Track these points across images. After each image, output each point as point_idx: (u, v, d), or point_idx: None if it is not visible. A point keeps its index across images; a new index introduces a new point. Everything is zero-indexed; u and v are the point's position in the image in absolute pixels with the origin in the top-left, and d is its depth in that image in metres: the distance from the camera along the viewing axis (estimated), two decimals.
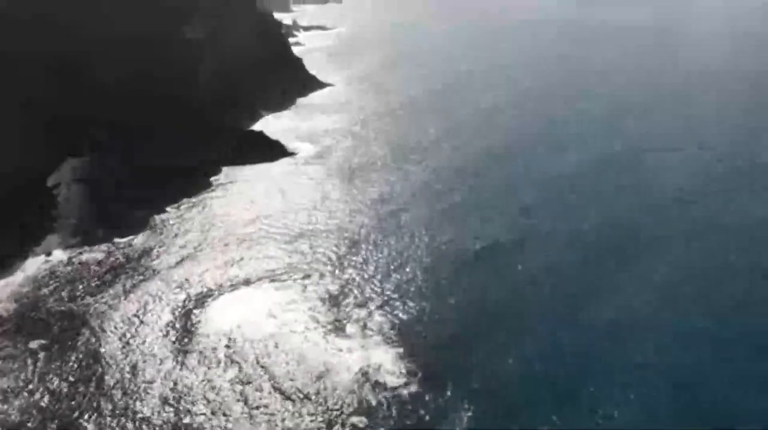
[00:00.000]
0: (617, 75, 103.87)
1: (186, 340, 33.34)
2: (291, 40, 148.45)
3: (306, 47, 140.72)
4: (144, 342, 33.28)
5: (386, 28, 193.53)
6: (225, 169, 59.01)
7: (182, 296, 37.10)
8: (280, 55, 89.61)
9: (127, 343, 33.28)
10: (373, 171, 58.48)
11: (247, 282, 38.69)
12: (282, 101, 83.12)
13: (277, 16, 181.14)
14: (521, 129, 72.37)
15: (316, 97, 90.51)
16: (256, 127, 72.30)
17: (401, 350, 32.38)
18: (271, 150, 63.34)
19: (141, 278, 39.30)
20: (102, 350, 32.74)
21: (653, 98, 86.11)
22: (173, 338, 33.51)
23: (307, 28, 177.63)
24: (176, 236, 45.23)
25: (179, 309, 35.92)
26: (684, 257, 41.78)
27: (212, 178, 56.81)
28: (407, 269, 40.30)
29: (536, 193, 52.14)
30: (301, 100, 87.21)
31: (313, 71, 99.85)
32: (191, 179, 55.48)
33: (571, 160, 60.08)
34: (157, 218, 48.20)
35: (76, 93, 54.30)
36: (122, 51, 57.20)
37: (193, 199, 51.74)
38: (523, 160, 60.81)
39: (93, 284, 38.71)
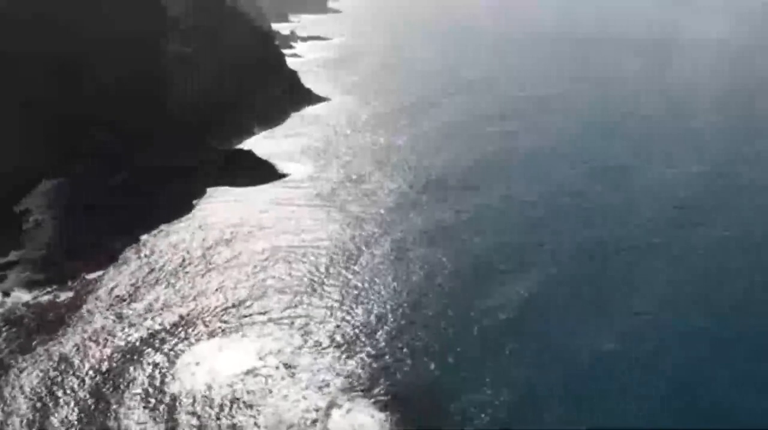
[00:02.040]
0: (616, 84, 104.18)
1: (151, 404, 29.43)
2: (288, 51, 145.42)
3: (303, 59, 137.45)
4: (106, 409, 29.30)
5: (386, 39, 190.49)
6: (209, 191, 55.29)
7: (149, 349, 33.06)
8: (273, 68, 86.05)
9: (87, 409, 29.40)
10: (367, 196, 54.73)
11: (223, 329, 34.81)
12: (275, 117, 79.45)
13: (275, 26, 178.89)
14: (521, 141, 71.93)
15: (310, 112, 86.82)
16: (246, 144, 68.71)
17: (390, 414, 28.49)
18: (260, 171, 59.58)
19: (106, 325, 35.27)
20: (53, 420, 28.86)
21: (654, 106, 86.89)
22: (138, 402, 29.60)
23: (305, 39, 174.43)
24: (150, 271, 41.33)
25: (146, 365, 31.95)
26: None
27: (194, 202, 53.05)
28: (400, 314, 36.48)
29: (537, 204, 52.54)
30: (295, 116, 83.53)
31: (309, 84, 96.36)
32: (171, 202, 51.80)
33: (570, 168, 61.18)
34: (132, 249, 44.36)
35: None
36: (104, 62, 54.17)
37: (172, 226, 47.90)
38: (524, 173, 61.05)
39: (50, 334, 34.59)
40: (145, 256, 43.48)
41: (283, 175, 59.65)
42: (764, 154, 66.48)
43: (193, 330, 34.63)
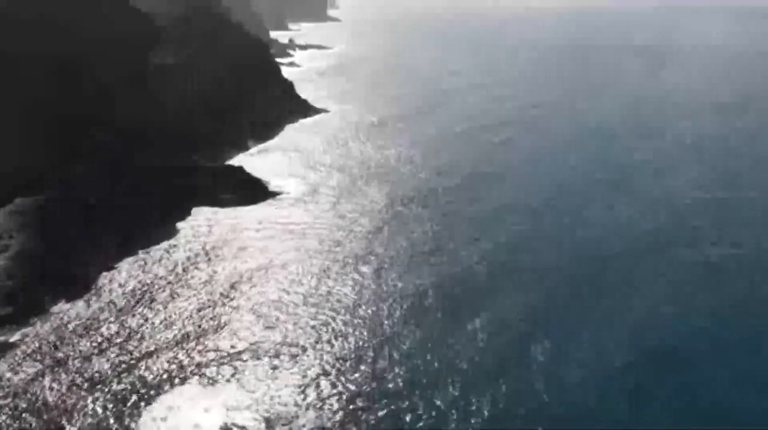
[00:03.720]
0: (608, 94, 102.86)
1: None
2: (286, 59, 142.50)
3: (301, 68, 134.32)
4: None
5: (386, 47, 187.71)
6: (195, 212, 51.71)
7: (110, 401, 29.23)
8: (268, 79, 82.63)
9: None
10: (364, 216, 51.16)
11: (199, 374, 30.99)
12: (268, 129, 75.96)
13: (273, 34, 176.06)
14: (520, 148, 72.44)
15: (307, 123, 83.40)
16: (238, 159, 65.22)
17: None
18: (250, 189, 56.02)
19: (67, 372, 31.43)
20: None
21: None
22: None
23: (303, 47, 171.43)
24: (125, 303, 37.63)
25: (106, 418, 28.21)
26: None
27: (178, 224, 49.43)
28: (392, 348, 32.82)
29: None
30: (290, 128, 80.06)
31: (306, 94, 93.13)
32: (154, 224, 48.23)
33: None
34: (107, 277, 40.66)
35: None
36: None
37: (152, 252, 44.22)
38: (522, 179, 60.82)
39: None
40: (121, 285, 39.78)
41: (275, 194, 56.05)
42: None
43: (165, 373, 30.91)
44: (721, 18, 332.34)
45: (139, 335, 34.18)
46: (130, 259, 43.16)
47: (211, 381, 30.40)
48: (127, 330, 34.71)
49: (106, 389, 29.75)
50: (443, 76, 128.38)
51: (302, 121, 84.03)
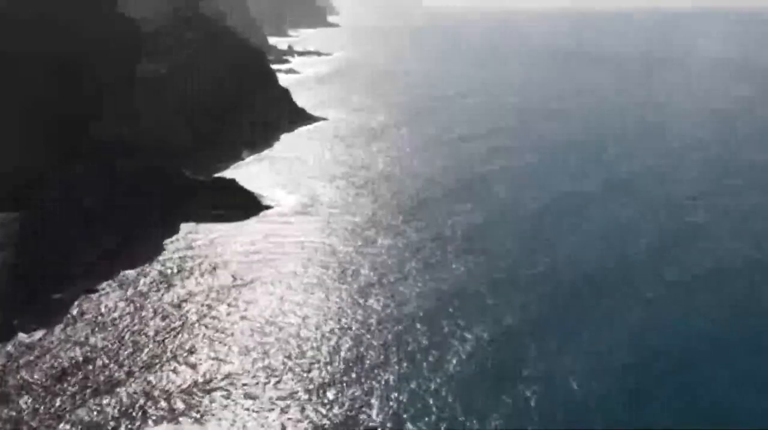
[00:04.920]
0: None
1: None
2: (284, 66, 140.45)
3: (300, 74, 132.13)
4: None
5: (385, 53, 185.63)
6: (184, 228, 49.17)
7: None
8: (263, 86, 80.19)
9: None
10: (368, 230, 48.56)
11: (166, 406, 28.32)
12: (264, 139, 73.57)
13: (272, 40, 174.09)
14: (519, 154, 71.09)
15: (303, 132, 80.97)
16: (231, 170, 62.67)
17: None
18: (243, 203, 53.42)
19: (26, 402, 28.86)
20: None
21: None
22: None
23: (302, 54, 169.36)
24: (103, 334, 34.95)
25: None
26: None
27: (165, 241, 46.89)
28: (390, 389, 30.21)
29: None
30: (285, 137, 77.60)
31: (303, 102, 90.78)
32: (139, 242, 45.72)
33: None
34: (86, 303, 38.01)
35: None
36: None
37: (136, 274, 41.60)
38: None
39: None
40: (99, 309, 37.13)
41: (267, 207, 53.50)
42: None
43: (128, 406, 28.21)
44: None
45: (119, 368, 31.50)
46: (113, 281, 40.54)
47: (178, 413, 27.74)
48: (105, 362, 32.05)
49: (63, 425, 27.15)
50: (444, 81, 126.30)
51: (299, 129, 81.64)
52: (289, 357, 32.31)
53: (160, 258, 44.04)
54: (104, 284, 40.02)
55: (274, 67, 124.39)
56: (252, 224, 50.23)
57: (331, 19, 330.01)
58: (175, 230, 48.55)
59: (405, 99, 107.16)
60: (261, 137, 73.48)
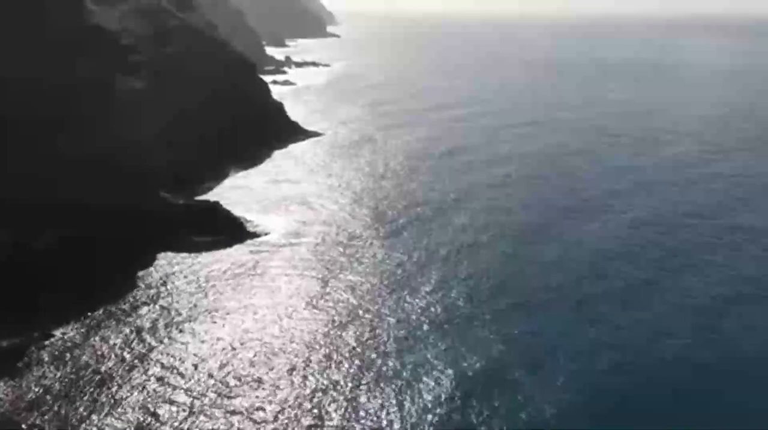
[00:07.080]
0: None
1: None
2: (281, 77, 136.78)
3: (296, 86, 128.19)
4: None
5: (385, 64, 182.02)
6: (160, 259, 44.84)
7: None
8: (254, 101, 76.15)
9: None
10: (348, 266, 44.28)
11: None
12: (253, 156, 69.46)
13: (269, 51, 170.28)
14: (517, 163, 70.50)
15: (296, 149, 76.66)
16: (215, 192, 58.29)
17: None
18: (227, 229, 49.17)
19: None
20: None
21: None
22: None
23: (299, 64, 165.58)
24: (63, 384, 30.57)
25: None
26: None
27: (139, 274, 42.55)
28: None
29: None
30: (277, 154, 73.43)
31: (298, 116, 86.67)
32: (108, 276, 41.28)
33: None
34: (46, 348, 33.64)
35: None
36: None
37: (105, 316, 37.18)
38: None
39: None
40: (66, 361, 32.67)
41: (254, 235, 49.19)
42: None
43: None
44: None
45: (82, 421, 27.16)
46: (77, 325, 36.09)
47: None
48: (65, 413, 27.73)
49: None
50: (445, 92, 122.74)
51: (292, 146, 77.41)
52: (268, 392, 27.91)
53: (131, 297, 39.59)
54: (67, 330, 35.58)
55: (271, 78, 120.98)
56: (237, 254, 45.85)
57: (330, 29, 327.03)
58: (151, 261, 44.20)
59: (405, 108, 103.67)
60: (249, 155, 69.34)
